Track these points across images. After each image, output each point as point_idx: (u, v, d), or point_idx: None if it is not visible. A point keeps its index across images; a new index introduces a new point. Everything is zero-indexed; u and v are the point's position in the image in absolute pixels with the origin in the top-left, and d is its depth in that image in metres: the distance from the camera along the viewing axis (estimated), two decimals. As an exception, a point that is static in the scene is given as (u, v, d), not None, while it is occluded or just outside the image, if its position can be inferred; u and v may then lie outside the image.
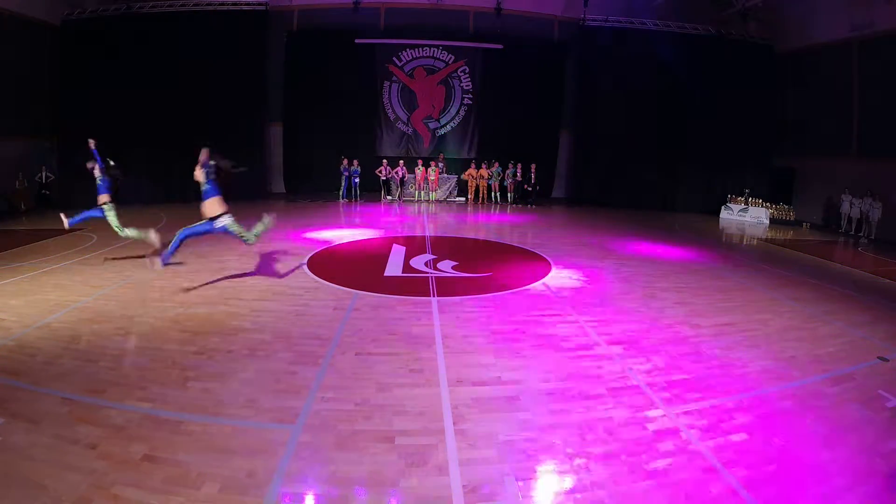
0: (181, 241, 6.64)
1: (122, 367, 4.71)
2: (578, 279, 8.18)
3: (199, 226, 6.61)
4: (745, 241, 13.19)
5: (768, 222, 15.66)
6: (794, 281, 8.74)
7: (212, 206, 6.45)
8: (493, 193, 17.37)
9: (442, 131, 18.95)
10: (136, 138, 15.15)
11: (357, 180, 16.76)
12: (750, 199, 16.20)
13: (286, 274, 8.00)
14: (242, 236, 6.64)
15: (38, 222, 10.96)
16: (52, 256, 8.66)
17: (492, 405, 4.21)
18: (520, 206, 17.02)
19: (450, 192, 17.99)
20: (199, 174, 6.38)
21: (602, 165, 17.90)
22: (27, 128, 14.52)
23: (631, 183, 17.81)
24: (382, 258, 9.15)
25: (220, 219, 6.50)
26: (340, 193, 16.67)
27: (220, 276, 7.76)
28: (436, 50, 18.30)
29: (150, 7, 15.50)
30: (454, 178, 18.04)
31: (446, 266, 8.69)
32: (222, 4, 16.09)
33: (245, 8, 16.25)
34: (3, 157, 13.46)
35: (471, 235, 11.79)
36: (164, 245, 7.05)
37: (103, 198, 7.91)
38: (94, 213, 7.89)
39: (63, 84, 14.92)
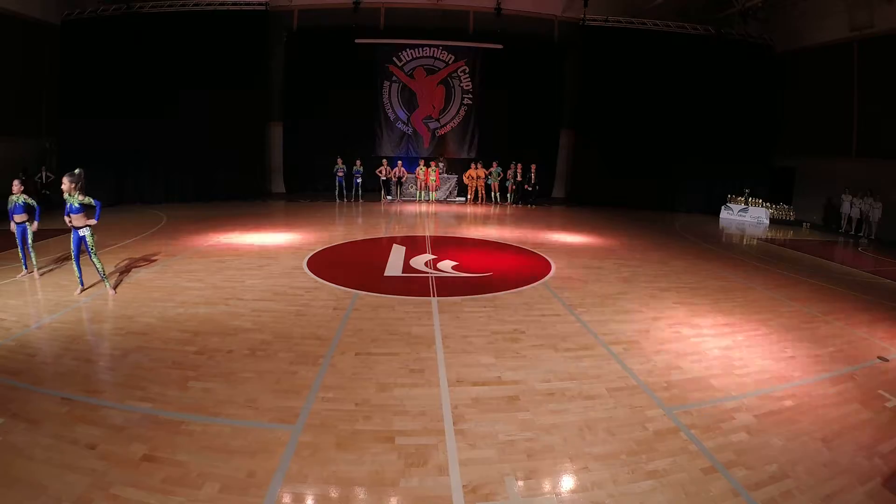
0: (77, 264, 6.76)
1: (122, 367, 4.71)
2: (578, 279, 8.18)
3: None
4: (744, 241, 13.20)
5: (768, 222, 15.67)
6: (794, 281, 8.75)
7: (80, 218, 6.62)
8: (493, 193, 17.37)
9: (442, 131, 18.94)
10: (136, 138, 15.19)
11: (359, 180, 16.77)
12: (750, 199, 16.21)
13: (286, 274, 8.00)
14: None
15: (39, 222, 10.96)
16: (53, 256, 8.66)
17: (492, 405, 4.21)
18: (520, 206, 17.02)
19: (450, 192, 18.00)
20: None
21: (602, 165, 17.90)
22: (27, 128, 14.52)
23: (631, 183, 17.81)
24: (382, 258, 9.15)
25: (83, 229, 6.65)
26: (336, 194, 16.69)
27: (220, 276, 7.76)
28: (436, 50, 18.31)
29: (150, 7, 15.52)
30: (454, 178, 18.05)
31: (446, 266, 8.69)
32: (222, 4, 16.11)
33: (245, 8, 16.27)
34: (3, 157, 13.46)
35: (471, 235, 11.79)
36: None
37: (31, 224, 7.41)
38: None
39: (63, 84, 14.92)
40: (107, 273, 6.99)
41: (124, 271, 7.95)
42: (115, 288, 6.99)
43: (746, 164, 17.20)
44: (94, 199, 6.59)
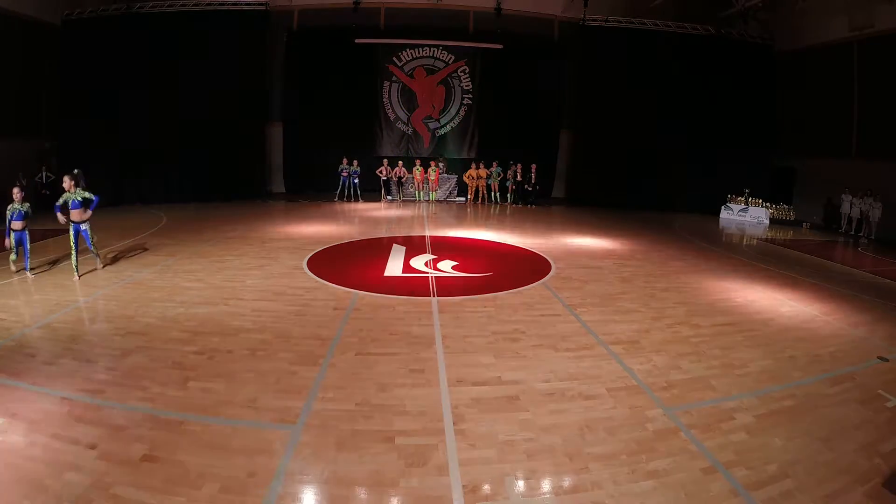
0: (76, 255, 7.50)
1: (122, 367, 4.72)
2: (578, 279, 8.18)
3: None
4: (744, 241, 13.20)
5: (768, 222, 15.67)
6: (794, 281, 8.75)
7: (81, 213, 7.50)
8: (493, 193, 17.36)
9: (442, 131, 18.94)
10: (136, 138, 15.19)
11: (357, 181, 16.76)
12: (750, 199, 16.21)
13: (286, 274, 8.00)
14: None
15: (38, 222, 10.96)
16: (52, 256, 8.67)
17: (492, 405, 4.21)
18: (520, 205, 17.02)
19: (450, 192, 17.99)
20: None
21: (602, 165, 17.89)
22: (27, 128, 14.52)
23: (631, 183, 17.81)
24: (382, 258, 9.15)
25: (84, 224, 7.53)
26: (337, 194, 16.70)
27: (220, 276, 7.77)
28: (436, 50, 18.30)
29: (150, 7, 15.53)
30: (454, 178, 18.04)
31: (446, 266, 8.69)
32: (222, 4, 16.11)
33: (245, 8, 16.27)
34: (3, 157, 13.46)
35: (471, 235, 11.79)
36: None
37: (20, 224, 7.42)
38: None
39: (63, 84, 14.93)
40: (103, 266, 7.99)
41: (124, 271, 7.95)
42: (113, 280, 7.35)
43: (746, 164, 17.18)
44: (93, 196, 7.51)
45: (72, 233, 7.37)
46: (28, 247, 7.44)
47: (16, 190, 7.35)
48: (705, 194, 17.52)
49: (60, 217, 7.29)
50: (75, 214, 7.35)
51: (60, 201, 7.31)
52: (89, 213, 7.52)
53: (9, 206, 7.30)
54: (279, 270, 8.19)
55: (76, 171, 7.41)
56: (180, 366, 4.74)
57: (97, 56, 14.86)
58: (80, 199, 7.33)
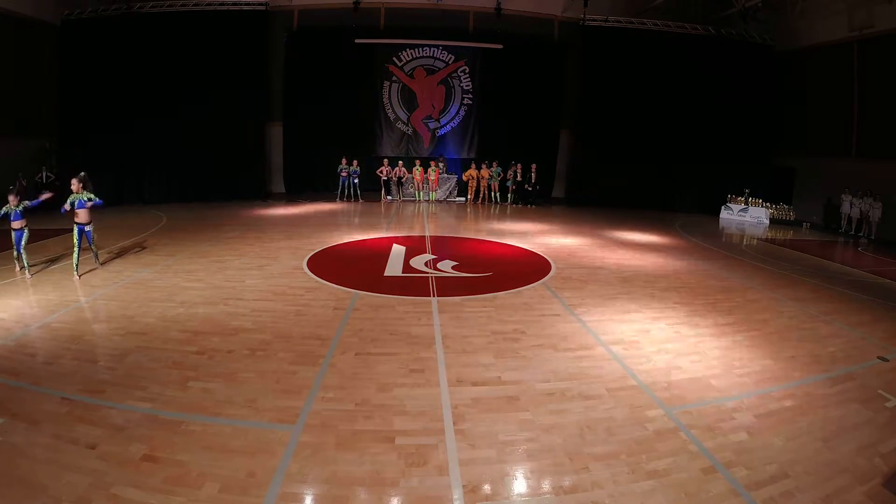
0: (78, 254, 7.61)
1: (122, 367, 4.72)
2: (578, 279, 8.18)
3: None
4: (744, 241, 13.19)
5: (768, 222, 15.67)
6: (794, 281, 8.75)
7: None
8: (493, 193, 17.36)
9: (442, 131, 18.94)
10: (136, 138, 15.17)
11: (356, 181, 16.75)
12: (750, 199, 16.22)
13: (286, 274, 8.00)
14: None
15: (38, 222, 10.97)
16: (52, 256, 8.67)
17: (492, 405, 4.21)
18: (520, 206, 17.02)
19: (450, 192, 17.99)
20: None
21: (602, 165, 17.89)
22: (27, 128, 14.52)
23: (631, 183, 17.81)
24: (382, 258, 9.15)
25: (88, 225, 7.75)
26: (337, 194, 16.70)
27: (220, 276, 7.76)
28: (436, 50, 18.30)
29: (150, 7, 15.51)
30: (454, 178, 18.04)
31: (446, 266, 8.69)
32: (222, 4, 16.10)
33: (245, 8, 16.26)
34: (3, 157, 13.45)
35: (471, 235, 11.79)
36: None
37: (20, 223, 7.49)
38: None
39: (63, 84, 14.92)
40: (102, 264, 8.23)
41: (124, 271, 7.94)
42: (113, 280, 7.37)
43: (746, 164, 17.18)
44: (97, 198, 7.65)
45: (76, 232, 7.52)
46: (22, 244, 7.43)
47: (10, 197, 7.43)
48: (705, 194, 17.53)
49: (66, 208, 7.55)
50: (81, 215, 7.53)
51: (67, 204, 7.48)
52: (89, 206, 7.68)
53: (4, 208, 7.35)
54: (279, 270, 8.19)
55: (82, 173, 7.64)
56: (180, 366, 4.74)
57: (97, 56, 14.85)
58: (86, 199, 7.53)
